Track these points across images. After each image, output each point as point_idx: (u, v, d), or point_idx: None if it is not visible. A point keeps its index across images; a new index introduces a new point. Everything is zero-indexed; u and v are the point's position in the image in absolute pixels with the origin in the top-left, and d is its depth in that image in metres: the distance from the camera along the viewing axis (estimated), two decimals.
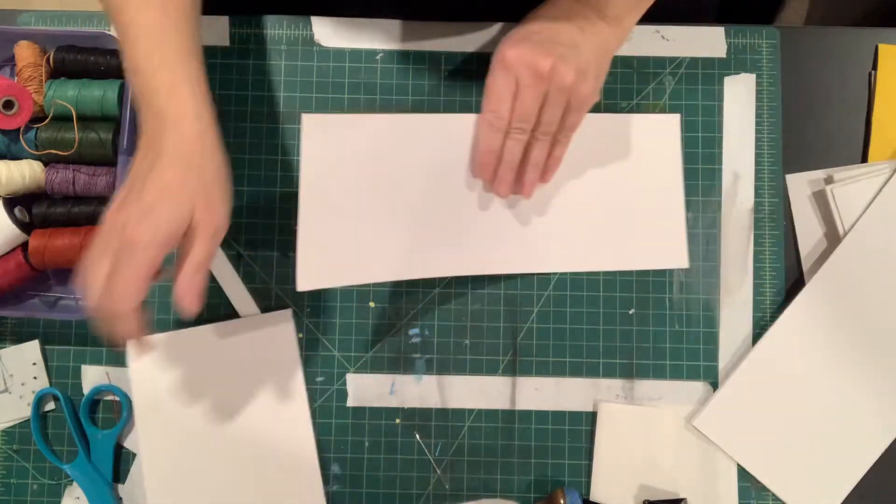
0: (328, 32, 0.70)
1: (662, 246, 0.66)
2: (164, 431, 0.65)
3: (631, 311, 0.67)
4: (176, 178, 0.52)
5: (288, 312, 0.67)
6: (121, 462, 0.67)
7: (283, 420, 0.66)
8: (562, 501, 0.62)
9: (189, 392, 0.66)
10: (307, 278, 0.59)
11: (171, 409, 0.66)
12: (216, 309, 0.67)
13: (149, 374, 0.66)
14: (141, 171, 0.53)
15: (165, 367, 0.66)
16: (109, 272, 0.51)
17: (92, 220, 0.65)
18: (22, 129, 0.64)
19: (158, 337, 0.66)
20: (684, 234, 0.66)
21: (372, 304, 0.68)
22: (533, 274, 0.67)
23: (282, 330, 0.67)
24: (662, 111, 0.69)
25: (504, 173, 0.61)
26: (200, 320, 0.66)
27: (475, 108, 0.68)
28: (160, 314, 0.67)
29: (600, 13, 0.60)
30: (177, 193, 0.52)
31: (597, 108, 0.68)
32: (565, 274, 0.67)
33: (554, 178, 0.64)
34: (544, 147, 0.60)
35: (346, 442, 0.67)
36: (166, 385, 0.66)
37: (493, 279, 0.67)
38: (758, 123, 0.69)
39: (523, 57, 0.57)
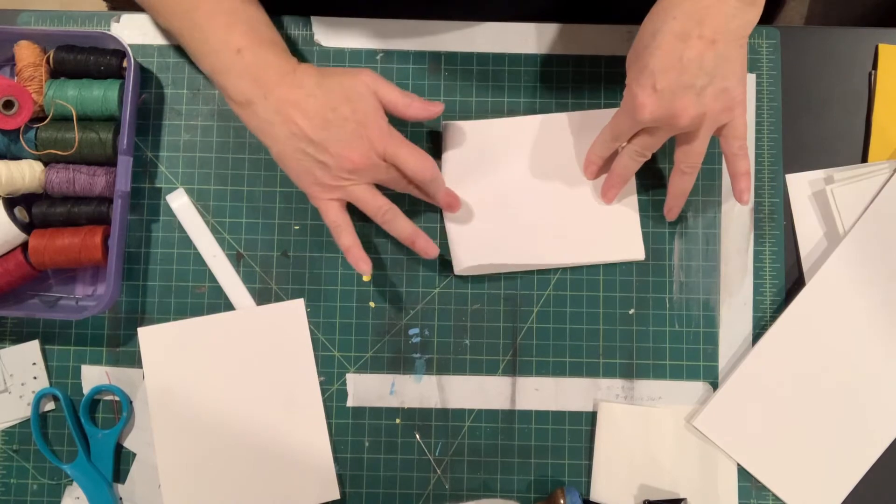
0: (328, 32, 0.70)
1: (620, 239, 0.67)
2: (178, 419, 0.66)
3: (631, 311, 0.67)
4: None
5: (300, 302, 0.67)
6: (121, 462, 0.67)
7: (297, 406, 0.66)
8: (562, 501, 0.62)
9: (202, 380, 0.66)
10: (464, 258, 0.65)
11: (184, 396, 0.66)
12: (216, 309, 0.67)
13: (161, 363, 0.66)
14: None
15: (178, 355, 0.66)
16: None
17: (92, 220, 0.65)
18: (22, 129, 0.64)
19: (170, 326, 0.67)
20: (639, 226, 0.67)
21: (372, 305, 0.68)
22: (532, 273, 0.67)
23: (295, 319, 0.67)
24: None
25: (615, 183, 0.65)
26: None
27: (475, 107, 0.69)
28: (161, 312, 0.67)
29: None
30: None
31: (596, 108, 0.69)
32: (565, 274, 0.67)
33: (515, 177, 0.67)
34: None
35: (346, 442, 0.67)
36: (179, 373, 0.66)
37: (493, 278, 0.67)
38: (758, 123, 0.69)
39: (656, 113, 0.57)
